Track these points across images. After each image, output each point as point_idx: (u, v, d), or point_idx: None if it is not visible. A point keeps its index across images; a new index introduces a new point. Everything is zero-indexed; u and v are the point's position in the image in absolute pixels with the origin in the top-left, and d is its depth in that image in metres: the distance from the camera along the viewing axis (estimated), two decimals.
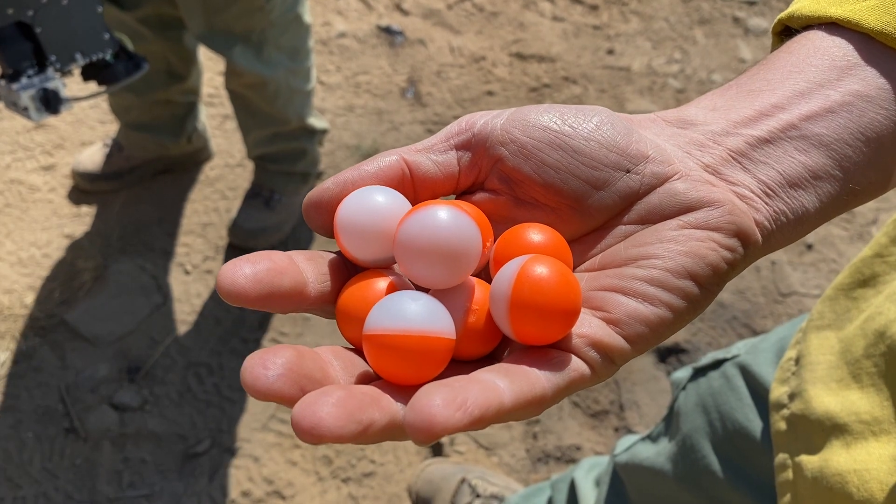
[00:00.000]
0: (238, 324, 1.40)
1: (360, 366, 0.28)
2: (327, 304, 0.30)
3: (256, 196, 1.51)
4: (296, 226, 1.55)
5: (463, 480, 1.15)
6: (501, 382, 0.24)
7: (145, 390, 1.31)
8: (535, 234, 0.30)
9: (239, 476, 1.24)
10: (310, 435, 0.22)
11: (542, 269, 0.26)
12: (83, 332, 1.37)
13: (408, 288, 0.29)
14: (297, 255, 0.29)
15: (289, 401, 0.24)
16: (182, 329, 1.39)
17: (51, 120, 1.69)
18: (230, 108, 1.73)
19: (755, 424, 0.60)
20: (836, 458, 0.44)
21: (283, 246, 1.52)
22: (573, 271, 0.31)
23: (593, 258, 0.31)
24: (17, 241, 1.49)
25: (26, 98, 0.98)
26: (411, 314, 0.26)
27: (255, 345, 1.37)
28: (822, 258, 1.58)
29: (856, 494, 0.41)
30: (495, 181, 0.31)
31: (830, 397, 0.47)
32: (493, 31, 2.01)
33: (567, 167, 0.30)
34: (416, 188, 0.31)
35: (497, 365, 0.26)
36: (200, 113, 1.56)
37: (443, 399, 0.22)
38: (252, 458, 1.25)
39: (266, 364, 0.24)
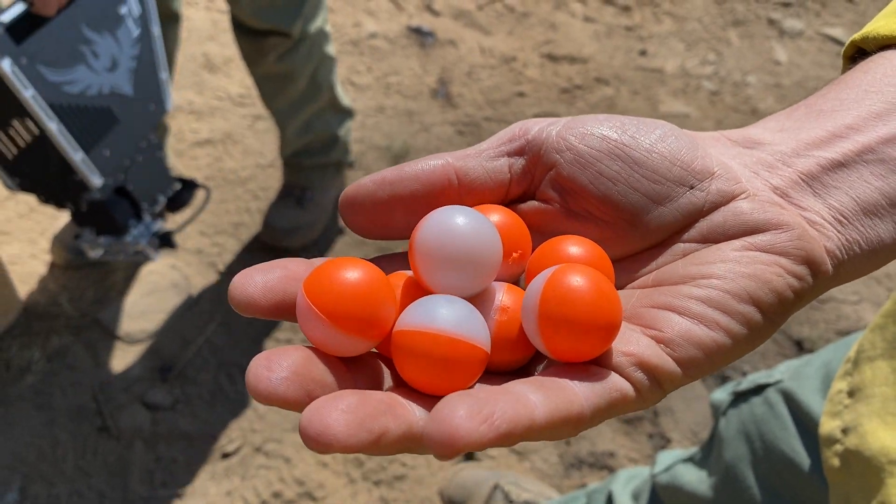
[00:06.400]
0: (270, 324, 1.40)
1: (380, 373, 0.27)
2: None
3: (288, 195, 1.51)
4: (328, 225, 1.55)
5: (496, 486, 1.14)
6: (534, 396, 0.22)
7: (177, 390, 1.32)
8: (573, 246, 0.28)
9: (270, 477, 1.23)
10: (316, 442, 0.20)
11: (572, 279, 0.24)
12: (116, 331, 1.38)
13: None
14: (319, 262, 0.27)
15: (294, 405, 0.22)
16: (214, 329, 1.39)
17: None
18: (261, 108, 1.73)
19: (801, 455, 0.58)
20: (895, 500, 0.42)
21: (315, 244, 1.52)
22: (623, 288, 0.29)
23: (646, 276, 0.29)
24: (51, 239, 1.50)
25: (145, 245, 1.20)
26: (446, 316, 0.24)
27: (287, 345, 1.37)
28: None
29: None
30: (548, 191, 0.30)
31: (887, 432, 0.45)
32: (524, 31, 2.00)
33: (626, 179, 0.28)
34: (462, 196, 0.29)
35: (532, 378, 0.24)
36: None
37: (467, 410, 0.20)
38: (283, 458, 1.25)
39: (271, 366, 0.23)
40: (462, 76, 1.87)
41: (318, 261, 0.27)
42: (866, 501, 0.44)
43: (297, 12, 1.28)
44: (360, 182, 0.28)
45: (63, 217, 1.50)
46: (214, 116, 1.75)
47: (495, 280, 0.28)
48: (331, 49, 1.40)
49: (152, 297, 1.43)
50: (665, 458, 0.84)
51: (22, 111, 0.97)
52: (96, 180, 1.06)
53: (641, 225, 0.29)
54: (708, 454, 0.74)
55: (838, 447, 0.49)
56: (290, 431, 1.28)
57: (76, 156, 1.03)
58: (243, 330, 1.39)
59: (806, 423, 0.58)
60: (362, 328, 0.24)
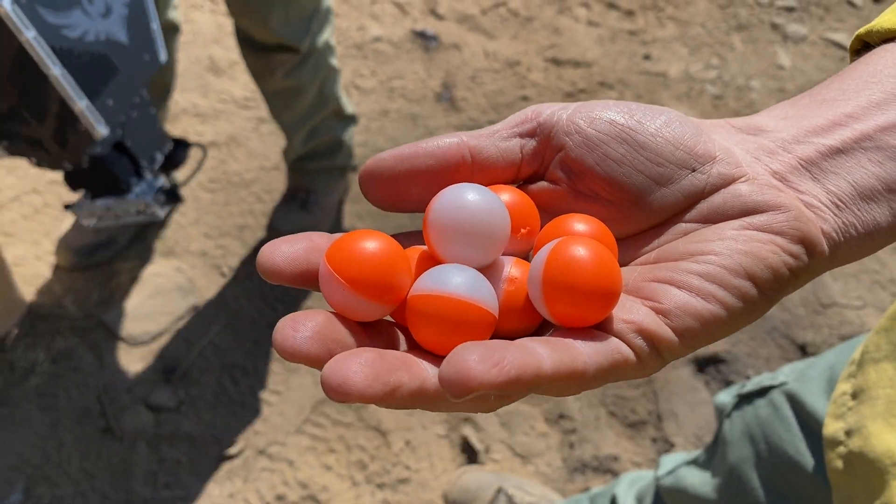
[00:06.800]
0: (273, 326, 1.40)
1: (396, 338, 0.28)
2: None
3: (293, 198, 1.51)
4: (332, 228, 1.55)
5: (500, 490, 1.14)
6: (542, 350, 0.24)
7: (181, 391, 1.32)
8: (580, 224, 0.29)
9: (273, 479, 1.23)
10: (336, 392, 0.22)
11: (575, 248, 0.26)
12: (120, 333, 1.38)
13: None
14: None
15: (316, 362, 0.24)
16: (218, 331, 1.39)
17: None
18: (265, 110, 1.73)
19: (805, 457, 0.58)
20: None
21: None
22: (626, 265, 0.31)
23: (649, 253, 0.30)
24: (56, 241, 1.51)
25: (150, 202, 1.16)
26: (457, 281, 0.26)
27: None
28: (863, 269, 1.55)
29: None
30: (556, 172, 0.31)
31: (890, 434, 0.45)
32: (528, 36, 2.00)
33: (631, 161, 0.30)
34: (475, 173, 0.31)
35: (540, 337, 0.26)
36: None
37: (480, 355, 0.22)
38: (286, 461, 1.25)
39: (296, 326, 0.25)
40: (466, 80, 1.88)
41: (339, 234, 0.29)
42: (869, 503, 0.45)
43: (307, 27, 1.28)
44: (380, 156, 0.30)
45: (68, 219, 1.51)
46: (219, 119, 1.76)
47: (505, 255, 0.30)
48: (335, 60, 1.40)
49: (156, 299, 1.43)
50: (668, 461, 0.84)
51: (16, 61, 0.92)
52: (102, 130, 1.01)
53: (645, 205, 0.30)
54: (712, 456, 0.74)
55: (842, 449, 0.49)
56: (294, 434, 1.28)
57: (81, 103, 0.97)
58: (247, 332, 1.39)
59: (810, 425, 0.59)
60: (380, 293, 0.26)
